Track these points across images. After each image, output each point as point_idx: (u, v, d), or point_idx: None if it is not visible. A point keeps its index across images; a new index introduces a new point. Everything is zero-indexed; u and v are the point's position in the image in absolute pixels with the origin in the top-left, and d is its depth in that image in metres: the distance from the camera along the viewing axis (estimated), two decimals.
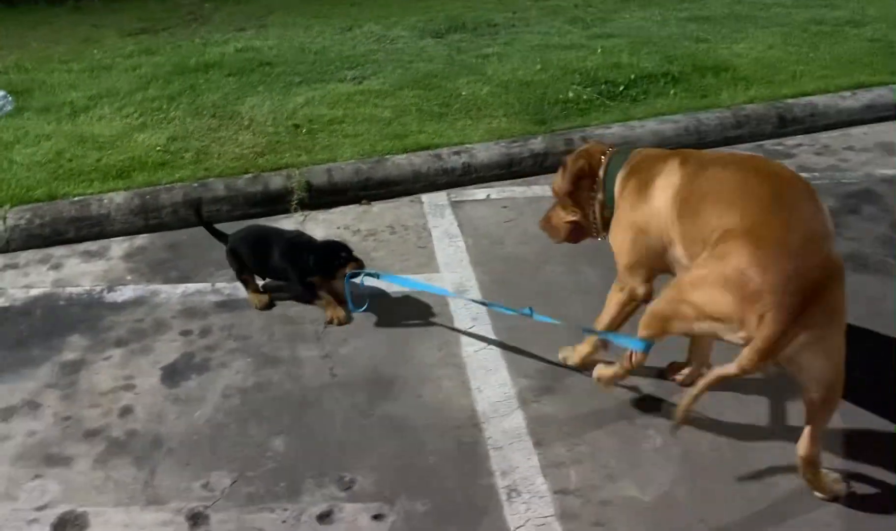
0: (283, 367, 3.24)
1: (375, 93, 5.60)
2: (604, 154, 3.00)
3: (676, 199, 2.62)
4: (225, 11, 7.65)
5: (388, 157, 4.77)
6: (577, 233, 3.16)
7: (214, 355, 3.32)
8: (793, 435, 2.60)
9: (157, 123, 5.14)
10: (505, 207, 4.52)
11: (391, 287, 3.71)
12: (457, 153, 4.84)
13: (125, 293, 3.76)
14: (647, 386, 3.10)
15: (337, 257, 3.53)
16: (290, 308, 3.63)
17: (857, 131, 5.53)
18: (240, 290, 3.73)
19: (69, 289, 3.78)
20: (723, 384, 2.42)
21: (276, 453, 2.81)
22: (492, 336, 3.41)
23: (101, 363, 3.28)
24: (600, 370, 2.99)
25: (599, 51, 6.38)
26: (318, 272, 3.51)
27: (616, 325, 2.96)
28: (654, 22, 7.26)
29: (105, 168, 4.55)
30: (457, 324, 3.50)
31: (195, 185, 4.44)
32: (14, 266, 3.99)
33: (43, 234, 4.16)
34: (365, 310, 3.53)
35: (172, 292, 3.75)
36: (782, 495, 2.59)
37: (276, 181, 4.52)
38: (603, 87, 5.72)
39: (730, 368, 2.30)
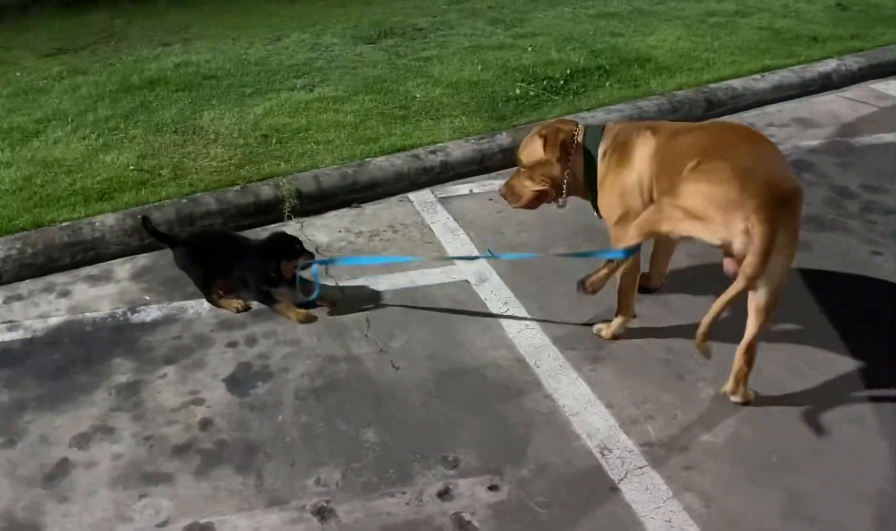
0: (344, 366, 3.33)
1: (331, 99, 5.67)
2: (573, 129, 3.38)
3: (654, 162, 3.11)
4: (139, 27, 7.41)
5: (368, 160, 4.87)
6: (539, 199, 3.54)
7: (271, 362, 3.35)
8: (826, 368, 3.01)
9: (119, 143, 4.99)
10: (491, 200, 4.73)
11: (393, 280, 3.85)
12: (433, 152, 5.01)
13: (151, 313, 3.69)
14: (684, 346, 3.41)
15: (288, 251, 3.63)
16: (325, 309, 3.69)
17: (771, 109, 6.13)
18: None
19: (89, 315, 3.67)
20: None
21: (372, 444, 2.91)
22: (527, 316, 3.63)
23: (158, 381, 3.24)
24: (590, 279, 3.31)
25: (530, 49, 6.71)
26: (273, 271, 3.58)
27: (632, 283, 3.39)
28: (566, 19, 7.68)
29: (83, 191, 4.40)
30: (491, 309, 3.69)
31: (184, 200, 4.38)
32: (18, 297, 3.81)
33: (36, 262, 3.99)
34: (316, 298, 3.63)
35: (200, 308, 3.72)
36: (835, 421, 2.97)
37: (266, 191, 4.53)
38: (544, 82, 6.04)
39: (737, 285, 2.72)
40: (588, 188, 3.39)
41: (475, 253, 4.16)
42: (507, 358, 3.37)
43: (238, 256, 3.67)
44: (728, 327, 3.03)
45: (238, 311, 3.66)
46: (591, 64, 6.39)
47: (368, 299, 3.78)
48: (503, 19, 7.65)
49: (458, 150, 5.08)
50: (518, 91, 5.88)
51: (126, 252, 4.16)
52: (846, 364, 3.28)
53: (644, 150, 3.17)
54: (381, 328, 3.57)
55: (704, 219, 2.79)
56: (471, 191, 4.87)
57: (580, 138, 3.37)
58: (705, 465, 2.81)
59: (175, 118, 5.33)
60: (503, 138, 5.22)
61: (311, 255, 3.74)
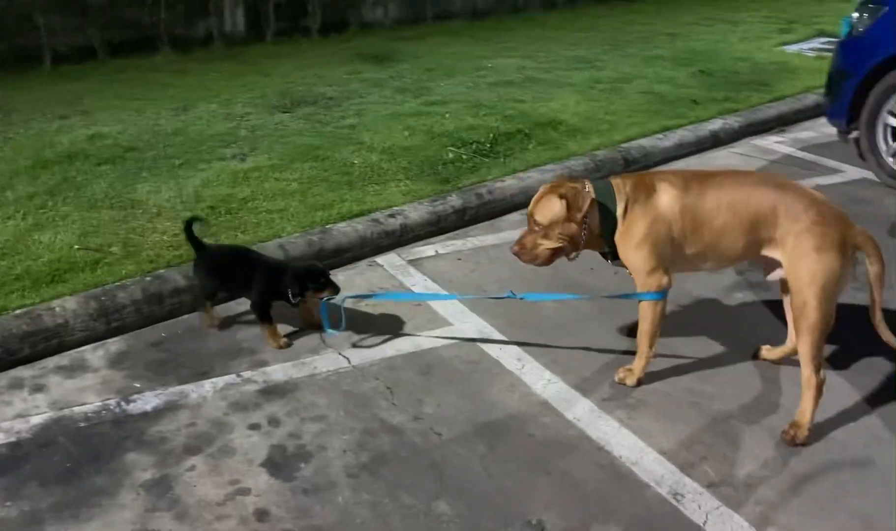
0: (385, 438, 3.16)
1: (269, 168, 5.47)
2: (584, 186, 3.42)
3: (684, 215, 3.29)
4: (24, 99, 6.80)
5: (329, 226, 4.73)
6: (555, 256, 3.53)
7: (305, 441, 3.12)
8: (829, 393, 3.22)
9: (52, 222, 4.54)
10: (459, 260, 4.73)
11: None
12: (392, 216, 4.95)
13: (149, 401, 3.34)
14: (701, 386, 3.53)
15: (315, 281, 3.76)
16: (343, 378, 3.51)
17: (678, 165, 6.58)
18: (273, 375, 3.53)
19: (78, 409, 3.26)
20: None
21: (450, 516, 2.77)
22: (547, 371, 3.62)
23: (189, 474, 2.92)
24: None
25: (447, 115, 6.83)
26: (299, 293, 3.74)
27: (658, 325, 3.45)
28: (468, 88, 7.89)
29: (29, 275, 3.95)
30: (507, 367, 3.65)
31: (148, 278, 4.04)
32: None
33: None
34: (343, 330, 3.83)
35: (202, 391, 3.42)
36: (861, 443, 3.16)
37: None
38: (473, 146, 6.16)
39: (879, 290, 3.09)
40: (605, 241, 3.46)
41: (465, 311, 4.12)
42: (545, 414, 3.34)
43: (255, 270, 3.80)
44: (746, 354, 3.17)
45: (210, 325, 3.90)
46: (510, 128, 6.59)
47: (380, 366, 3.63)
48: (408, 88, 7.75)
49: (415, 212, 5.05)
50: (451, 155, 5.95)
51: (92, 338, 3.76)
52: (843, 386, 3.51)
53: (671, 202, 3.30)
54: (406, 395, 3.43)
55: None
56: (436, 251, 4.83)
57: (592, 195, 3.42)
58: (775, 499, 2.89)
59: (107, 193, 4.93)
60: (454, 200, 5.25)
61: (337, 289, 3.83)
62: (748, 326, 4.00)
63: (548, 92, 7.87)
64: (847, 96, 6.06)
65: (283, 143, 5.99)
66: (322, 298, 3.77)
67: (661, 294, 3.38)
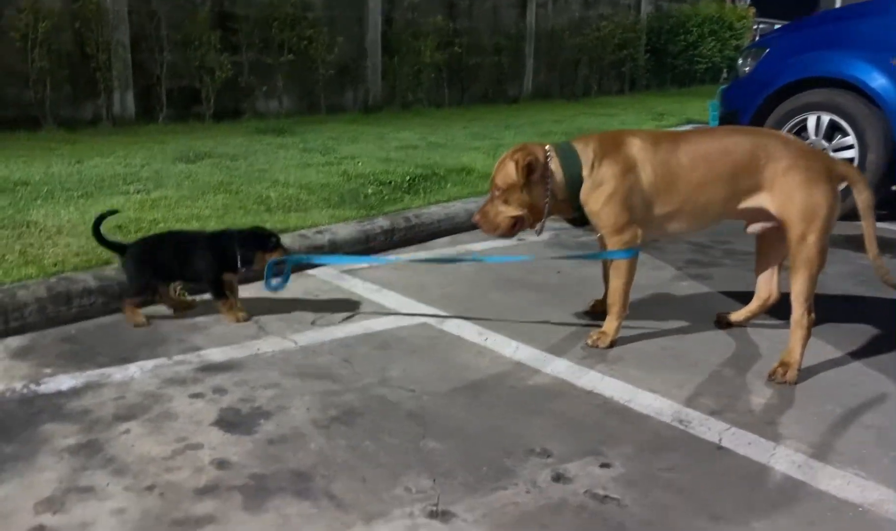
0: (351, 396, 2.77)
1: (177, 199, 5.07)
2: (543, 150, 3.27)
3: (657, 169, 3.15)
4: None
5: None
6: (516, 226, 3.33)
7: (260, 403, 2.69)
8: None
9: None
10: (395, 269, 4.45)
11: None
12: (320, 232, 4.65)
13: (63, 382, 2.82)
14: (673, 341, 3.36)
15: (265, 242, 3.57)
16: (292, 356, 3.11)
17: None
18: (210, 356, 3.09)
19: None
20: None
21: (444, 450, 2.42)
22: (513, 341, 3.35)
23: (124, 437, 2.43)
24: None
25: (360, 164, 6.67)
26: (244, 262, 3.52)
27: (631, 282, 3.29)
28: (374, 149, 7.78)
29: None
30: (469, 339, 3.37)
31: (54, 279, 3.55)
32: None
33: None
34: (285, 284, 3.63)
35: (128, 372, 2.93)
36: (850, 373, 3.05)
37: None
38: (391, 184, 5.99)
39: (870, 217, 3.06)
40: (571, 205, 3.29)
41: (412, 303, 3.81)
42: (522, 371, 3.06)
43: (193, 249, 3.53)
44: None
45: (137, 324, 3.45)
46: (425, 172, 6.48)
47: (332, 345, 3.26)
48: (315, 149, 7.57)
49: (343, 230, 4.76)
50: (371, 191, 5.75)
51: None
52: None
53: (643, 157, 3.16)
54: (366, 365, 3.07)
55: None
56: (370, 265, 4.53)
57: (554, 157, 3.27)
58: (781, 419, 2.72)
59: None
60: (382, 221, 5.01)
61: (286, 251, 3.69)
62: (701, 304, 3.89)
63: (454, 153, 7.86)
64: None
65: (191, 180, 5.62)
66: (272, 260, 3.55)
67: (633, 251, 3.22)
